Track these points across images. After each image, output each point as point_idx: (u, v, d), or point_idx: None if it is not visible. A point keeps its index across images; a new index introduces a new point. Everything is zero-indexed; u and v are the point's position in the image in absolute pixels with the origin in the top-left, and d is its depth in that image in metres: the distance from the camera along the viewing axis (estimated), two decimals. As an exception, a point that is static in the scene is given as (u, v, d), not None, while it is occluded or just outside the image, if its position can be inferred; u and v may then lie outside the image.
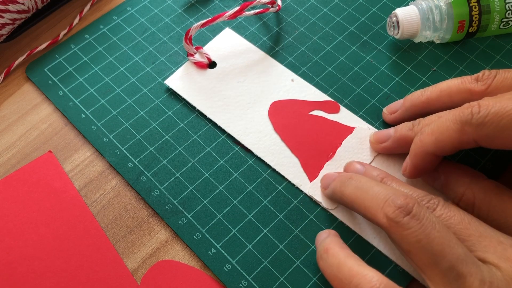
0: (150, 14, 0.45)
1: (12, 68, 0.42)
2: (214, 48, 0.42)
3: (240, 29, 0.44)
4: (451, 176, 0.32)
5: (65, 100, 0.40)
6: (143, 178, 0.37)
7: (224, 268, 0.33)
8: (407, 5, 0.42)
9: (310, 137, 0.37)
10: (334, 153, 0.37)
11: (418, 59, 0.42)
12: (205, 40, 0.43)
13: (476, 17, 0.39)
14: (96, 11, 0.45)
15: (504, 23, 0.40)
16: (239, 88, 0.40)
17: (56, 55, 0.42)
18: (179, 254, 0.34)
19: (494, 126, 0.27)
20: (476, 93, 0.32)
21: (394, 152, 0.36)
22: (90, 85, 0.41)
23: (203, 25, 0.40)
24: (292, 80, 0.40)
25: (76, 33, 0.44)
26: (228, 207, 0.35)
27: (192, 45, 0.41)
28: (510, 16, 0.39)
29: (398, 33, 0.41)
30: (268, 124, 0.38)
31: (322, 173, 0.36)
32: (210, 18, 0.40)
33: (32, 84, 0.41)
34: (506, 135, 0.27)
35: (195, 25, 0.40)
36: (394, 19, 0.41)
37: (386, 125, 0.39)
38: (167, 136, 0.38)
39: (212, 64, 0.41)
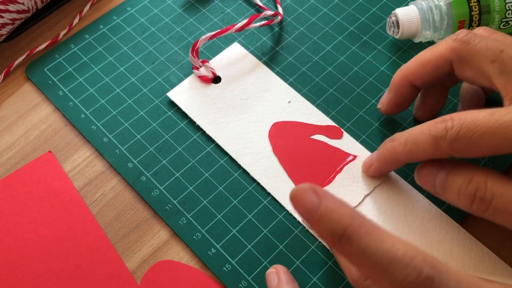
0: (150, 14, 0.45)
1: (12, 68, 0.42)
2: (220, 62, 0.41)
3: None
4: (455, 165, 0.31)
5: (65, 100, 0.40)
6: (143, 178, 0.37)
7: (224, 268, 0.33)
8: (407, 5, 0.42)
9: (309, 161, 0.36)
10: (333, 178, 0.35)
11: (418, 59, 0.42)
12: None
13: (476, 17, 0.39)
14: (96, 11, 0.45)
15: (504, 23, 0.40)
16: (242, 106, 0.39)
17: (56, 55, 0.42)
18: (179, 254, 0.34)
19: (467, 140, 0.28)
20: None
21: (385, 171, 0.35)
22: (90, 85, 0.41)
23: (211, 37, 0.39)
24: (289, 102, 0.39)
25: (76, 33, 0.44)
26: (228, 207, 0.35)
27: (199, 58, 0.40)
28: (510, 16, 0.39)
29: (398, 33, 0.41)
30: (268, 145, 0.37)
31: None
32: (218, 31, 0.40)
33: (32, 84, 0.41)
34: (478, 149, 0.28)
35: (203, 37, 0.39)
36: (394, 19, 0.41)
37: (382, 126, 0.39)
38: (167, 136, 0.38)
39: (216, 79, 0.40)
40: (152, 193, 0.36)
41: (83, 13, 0.45)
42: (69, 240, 0.34)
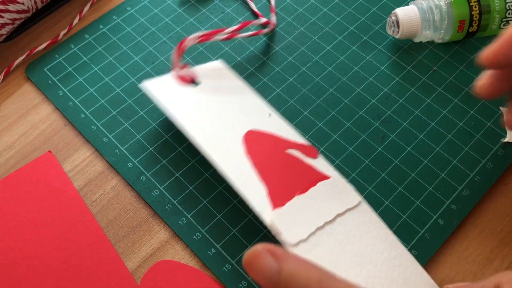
0: (150, 14, 0.45)
1: (12, 68, 0.42)
2: (201, 71, 0.39)
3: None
4: None
5: (65, 100, 0.40)
6: (142, 178, 0.37)
7: (224, 268, 0.33)
8: (407, 5, 0.42)
9: (282, 168, 0.34)
10: (307, 190, 0.33)
11: (418, 59, 0.42)
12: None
13: (476, 17, 0.39)
14: (96, 11, 0.45)
15: (505, 22, 0.40)
16: (219, 110, 0.36)
17: (56, 55, 0.42)
18: (179, 254, 0.34)
19: None
20: None
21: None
22: (90, 85, 0.41)
23: (200, 37, 0.38)
24: (270, 115, 0.37)
25: (76, 33, 0.44)
26: (228, 207, 0.35)
27: (182, 59, 0.38)
28: (510, 15, 0.39)
29: (398, 32, 0.41)
30: (241, 147, 0.34)
31: (290, 204, 0.32)
32: (207, 32, 0.38)
33: (31, 84, 0.41)
34: None
35: (191, 36, 0.38)
36: (394, 18, 0.41)
37: (381, 125, 0.39)
38: (167, 136, 0.38)
39: (195, 83, 0.38)
40: (152, 193, 0.36)
41: (83, 13, 0.45)
42: (69, 240, 0.34)
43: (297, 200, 0.33)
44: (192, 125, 0.35)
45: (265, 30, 0.42)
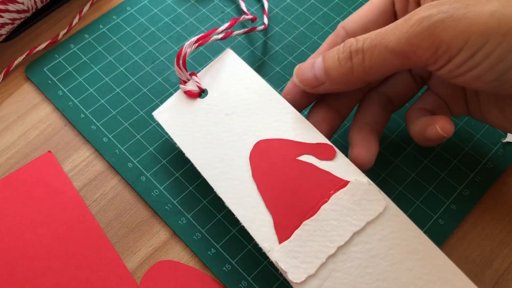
0: (150, 13, 0.45)
1: (12, 68, 0.42)
2: (209, 72, 0.36)
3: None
4: None
5: (64, 100, 0.40)
6: (142, 178, 0.37)
7: (224, 268, 0.33)
8: (407, 5, 0.42)
9: (291, 188, 0.31)
10: (317, 210, 0.30)
11: (418, 59, 0.42)
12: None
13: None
14: (95, 11, 0.45)
15: (504, 23, 0.40)
16: (225, 122, 0.34)
17: (56, 55, 0.42)
18: (179, 254, 0.34)
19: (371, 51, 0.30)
20: None
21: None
22: (89, 85, 0.41)
23: (197, 41, 0.36)
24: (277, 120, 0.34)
25: (76, 33, 0.44)
26: (228, 207, 0.35)
27: (186, 69, 0.36)
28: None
29: (398, 33, 0.41)
30: (248, 169, 0.32)
31: (297, 233, 0.30)
32: (203, 34, 0.36)
33: (31, 84, 0.41)
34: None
35: (187, 43, 0.35)
36: (394, 19, 0.41)
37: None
38: (166, 136, 0.38)
39: (203, 93, 0.36)
40: (152, 193, 0.36)
41: (83, 13, 0.45)
42: (69, 240, 0.34)
43: (306, 226, 0.30)
44: (199, 157, 0.34)
45: (258, 28, 0.42)
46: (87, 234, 0.34)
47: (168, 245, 0.34)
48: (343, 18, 0.44)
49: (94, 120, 0.39)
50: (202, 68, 0.37)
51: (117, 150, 0.38)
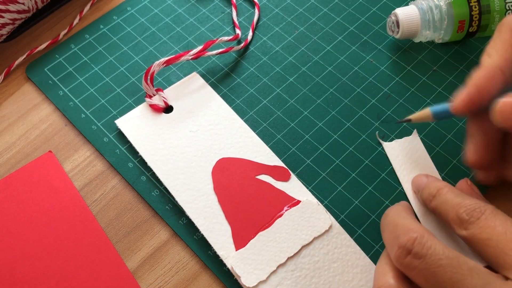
0: (150, 14, 0.45)
1: (12, 68, 0.42)
2: (175, 91, 0.39)
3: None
4: None
5: (65, 100, 0.40)
6: (143, 178, 0.37)
7: (224, 268, 0.33)
8: (407, 5, 0.42)
9: (250, 203, 0.34)
10: (272, 223, 0.33)
11: (418, 59, 0.42)
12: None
13: (476, 17, 0.39)
14: (96, 11, 0.45)
15: (504, 23, 0.40)
16: (189, 138, 0.37)
17: (56, 55, 0.42)
18: (179, 254, 0.34)
19: None
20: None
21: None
22: (90, 85, 0.41)
23: (166, 62, 0.38)
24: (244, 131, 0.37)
25: (76, 33, 0.44)
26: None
27: (153, 85, 0.38)
28: (510, 16, 0.39)
29: (398, 33, 0.41)
30: (209, 182, 0.35)
31: (252, 243, 0.33)
32: (173, 56, 0.38)
33: (32, 84, 0.41)
34: None
35: (157, 62, 0.38)
36: (394, 18, 0.41)
37: (382, 126, 0.39)
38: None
39: (168, 109, 0.38)
40: (152, 193, 0.36)
41: (83, 13, 0.45)
42: (69, 240, 0.34)
43: (261, 237, 0.33)
44: (161, 168, 0.36)
45: (235, 48, 0.42)
46: (88, 234, 0.34)
47: (168, 245, 0.34)
48: (343, 18, 0.44)
49: (94, 120, 0.39)
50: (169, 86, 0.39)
51: (117, 150, 0.38)
